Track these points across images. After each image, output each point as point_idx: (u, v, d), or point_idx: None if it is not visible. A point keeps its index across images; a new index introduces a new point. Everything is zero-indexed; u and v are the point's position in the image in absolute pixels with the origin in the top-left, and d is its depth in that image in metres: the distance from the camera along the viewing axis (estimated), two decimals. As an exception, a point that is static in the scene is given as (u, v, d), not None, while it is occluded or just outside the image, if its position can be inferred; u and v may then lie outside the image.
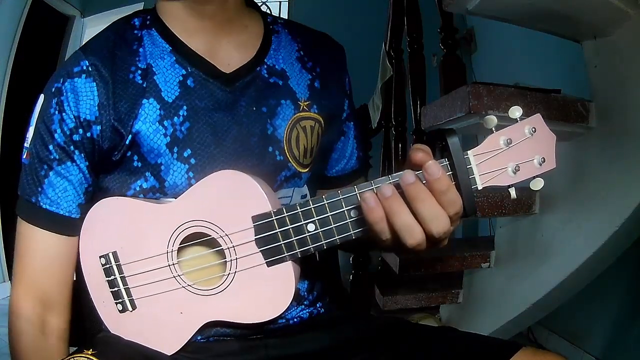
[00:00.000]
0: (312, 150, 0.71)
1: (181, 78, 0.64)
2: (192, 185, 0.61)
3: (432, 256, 1.48)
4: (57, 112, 0.61)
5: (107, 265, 0.60)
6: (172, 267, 0.59)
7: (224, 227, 0.58)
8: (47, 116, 0.61)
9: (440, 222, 0.49)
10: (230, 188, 0.58)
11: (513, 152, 0.51)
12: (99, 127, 0.61)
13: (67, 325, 0.66)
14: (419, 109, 1.79)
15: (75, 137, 0.61)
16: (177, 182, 0.62)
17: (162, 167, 0.62)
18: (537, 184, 0.53)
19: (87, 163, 0.63)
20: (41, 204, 0.62)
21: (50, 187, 0.61)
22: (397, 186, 0.50)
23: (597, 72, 1.20)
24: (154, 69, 0.63)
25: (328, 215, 0.54)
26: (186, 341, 0.61)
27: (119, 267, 0.60)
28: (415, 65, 1.89)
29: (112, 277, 0.60)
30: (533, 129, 0.51)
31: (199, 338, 0.64)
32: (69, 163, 0.62)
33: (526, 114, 0.52)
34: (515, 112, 0.51)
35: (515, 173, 0.52)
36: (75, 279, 0.76)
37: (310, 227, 0.54)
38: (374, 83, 2.31)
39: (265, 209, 0.57)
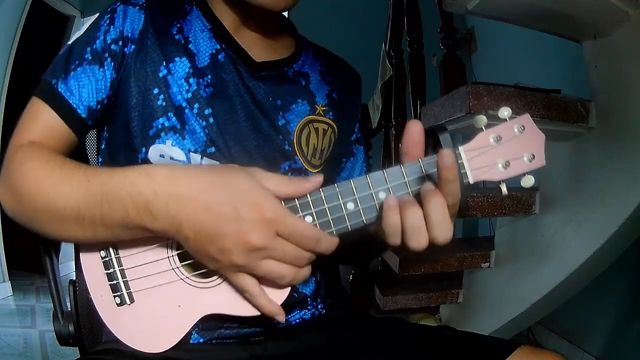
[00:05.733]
0: (322, 153, 0.72)
1: (214, 51, 0.68)
2: (207, 138, 0.64)
3: (432, 256, 1.48)
4: (106, 24, 0.66)
5: (107, 258, 0.60)
6: (171, 258, 0.59)
7: None
8: (96, 25, 0.66)
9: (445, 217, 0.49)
10: None
11: (503, 149, 0.53)
12: (134, 47, 0.65)
13: None
14: (419, 109, 1.79)
15: (114, 47, 0.65)
16: (195, 130, 0.64)
17: (186, 111, 0.65)
18: (528, 181, 0.53)
19: (114, 75, 0.65)
20: (58, 88, 0.64)
21: (73, 79, 0.64)
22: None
23: (597, 72, 1.21)
24: (190, 38, 0.68)
25: (324, 208, 0.54)
26: (183, 334, 0.61)
27: (118, 259, 0.60)
28: (415, 65, 1.89)
29: (111, 270, 0.60)
30: (522, 127, 0.53)
31: (200, 340, 0.64)
32: (97, 66, 0.65)
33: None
34: (504, 111, 0.52)
35: (505, 168, 0.53)
36: (78, 281, 0.77)
37: (308, 219, 0.54)
38: (374, 83, 2.31)
39: None
